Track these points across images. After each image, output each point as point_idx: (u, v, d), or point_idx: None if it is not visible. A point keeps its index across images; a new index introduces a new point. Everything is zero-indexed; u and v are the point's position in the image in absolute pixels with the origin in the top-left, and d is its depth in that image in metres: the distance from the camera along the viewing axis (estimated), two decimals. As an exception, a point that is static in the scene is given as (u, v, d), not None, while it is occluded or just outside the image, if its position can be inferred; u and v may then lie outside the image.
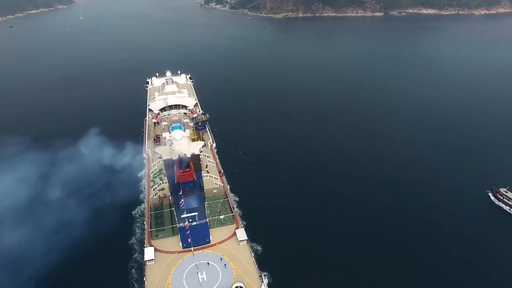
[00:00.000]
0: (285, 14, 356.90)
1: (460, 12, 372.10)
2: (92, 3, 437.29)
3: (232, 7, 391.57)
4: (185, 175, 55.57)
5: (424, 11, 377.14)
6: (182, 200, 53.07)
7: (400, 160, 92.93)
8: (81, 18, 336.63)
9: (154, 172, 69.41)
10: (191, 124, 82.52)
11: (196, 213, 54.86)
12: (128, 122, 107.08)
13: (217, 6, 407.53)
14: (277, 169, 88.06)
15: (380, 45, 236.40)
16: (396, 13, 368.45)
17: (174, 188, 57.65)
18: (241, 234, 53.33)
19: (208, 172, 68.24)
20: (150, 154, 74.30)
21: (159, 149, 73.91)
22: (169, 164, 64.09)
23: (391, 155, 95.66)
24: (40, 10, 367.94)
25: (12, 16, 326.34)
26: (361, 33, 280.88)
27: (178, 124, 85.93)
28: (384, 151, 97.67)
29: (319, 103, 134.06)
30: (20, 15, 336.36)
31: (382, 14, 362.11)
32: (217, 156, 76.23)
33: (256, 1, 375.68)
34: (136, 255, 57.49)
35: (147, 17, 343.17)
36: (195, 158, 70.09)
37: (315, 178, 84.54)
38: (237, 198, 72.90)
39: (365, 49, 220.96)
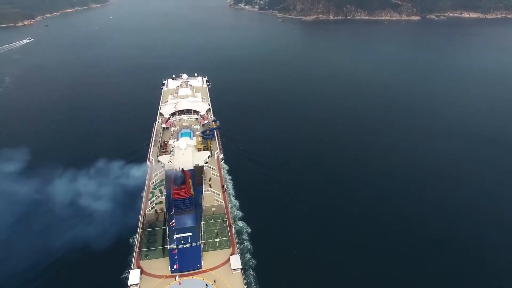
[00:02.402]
0: (316, 16, 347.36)
1: (509, 16, 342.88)
2: (125, 2, 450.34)
3: (261, 8, 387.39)
4: (180, 192, 51.38)
5: (466, 15, 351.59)
6: (173, 221, 48.87)
7: (445, 177, 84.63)
8: (110, 17, 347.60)
9: (154, 183, 66.00)
10: (198, 132, 78.42)
11: (190, 234, 50.57)
12: (140, 127, 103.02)
13: (246, 6, 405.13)
14: (297, 189, 77.55)
15: (416, 52, 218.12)
16: (434, 17, 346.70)
17: (170, 204, 53.73)
18: (236, 261, 48.23)
19: (210, 187, 63.82)
20: (153, 162, 71.11)
21: (163, 158, 70.64)
22: (170, 175, 60.33)
23: (434, 172, 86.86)
24: (76, 9, 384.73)
25: (50, 15, 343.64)
26: (395, 39, 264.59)
27: (188, 131, 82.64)
28: (425, 168, 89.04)
29: (349, 113, 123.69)
30: (57, 14, 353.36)
31: (419, 18, 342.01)
32: (223, 169, 71.71)
33: (286, 3, 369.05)
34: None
35: (175, 17, 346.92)
36: (198, 170, 66.19)
37: (346, 205, 73.15)
38: (244, 223, 66.13)
39: (399, 57, 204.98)
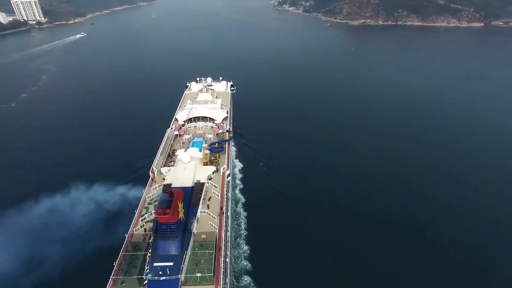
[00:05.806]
0: (363, 21, 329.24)
1: None
2: (171, 1, 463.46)
3: (306, 10, 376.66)
4: (164, 217, 45.83)
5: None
6: (149, 251, 43.51)
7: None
8: (153, 16, 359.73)
9: (151, 197, 61.32)
10: (205, 145, 72.88)
11: (171, 264, 44.85)
12: (157, 133, 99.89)
13: (291, 8, 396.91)
14: (333, 238, 66.22)
15: (481, 69, 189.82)
16: (502, 23, 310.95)
17: (157, 225, 48.50)
18: (215, 305, 41.58)
19: (208, 208, 57.59)
20: (155, 173, 66.79)
21: (165, 169, 66.03)
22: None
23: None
24: (124, 7, 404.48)
25: (100, 13, 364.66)
26: (453, 50, 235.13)
27: (201, 139, 77.95)
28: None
29: (396, 135, 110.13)
30: (107, 11, 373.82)
31: (482, 24, 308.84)
32: (226, 187, 65.29)
33: (331, 5, 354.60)
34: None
35: (217, 17, 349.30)
36: (198, 188, 60.53)
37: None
38: (250, 279, 57.59)
39: (458, 74, 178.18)
